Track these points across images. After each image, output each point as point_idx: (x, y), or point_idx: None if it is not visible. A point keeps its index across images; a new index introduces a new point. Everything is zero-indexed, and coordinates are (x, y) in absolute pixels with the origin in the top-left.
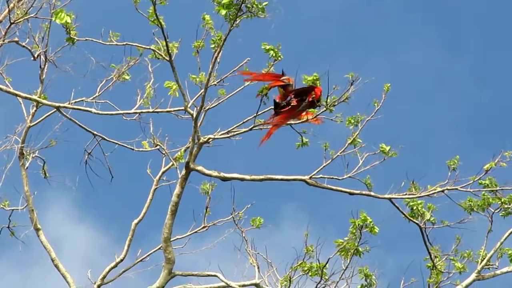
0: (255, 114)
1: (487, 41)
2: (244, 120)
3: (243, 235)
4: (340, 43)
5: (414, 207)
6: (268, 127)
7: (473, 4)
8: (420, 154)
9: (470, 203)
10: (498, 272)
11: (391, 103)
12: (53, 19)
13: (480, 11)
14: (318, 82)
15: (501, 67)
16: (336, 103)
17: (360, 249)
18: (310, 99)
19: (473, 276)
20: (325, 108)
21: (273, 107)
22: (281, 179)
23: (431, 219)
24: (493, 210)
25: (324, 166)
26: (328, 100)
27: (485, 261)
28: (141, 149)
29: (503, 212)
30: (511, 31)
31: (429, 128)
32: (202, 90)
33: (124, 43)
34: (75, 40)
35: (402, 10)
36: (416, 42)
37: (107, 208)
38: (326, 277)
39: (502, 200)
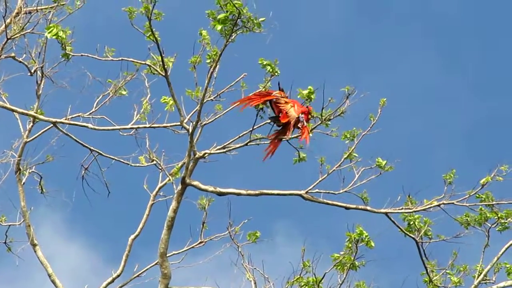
0: (251, 129)
1: (485, 55)
2: (240, 135)
3: (240, 250)
4: (337, 60)
5: (411, 222)
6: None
7: (471, 18)
8: (417, 168)
9: (467, 218)
10: (495, 287)
11: (388, 117)
12: (45, 34)
13: (478, 26)
14: (312, 95)
15: (499, 81)
16: (331, 117)
17: (356, 263)
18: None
19: None
20: (320, 122)
21: (270, 121)
22: (278, 194)
23: (427, 234)
24: (490, 225)
25: (320, 181)
26: (324, 114)
27: (482, 275)
28: (137, 165)
29: (500, 227)
30: (509, 45)
31: (425, 142)
32: (198, 106)
33: (120, 58)
34: (71, 55)
35: (399, 24)
36: (413, 57)
37: (101, 225)
38: None
39: (499, 215)
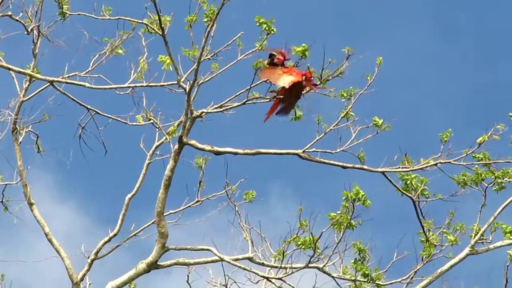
0: (248, 88)
1: (482, 23)
2: (237, 94)
3: (236, 209)
4: (334, 26)
5: (408, 181)
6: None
7: None
8: (413, 128)
9: (464, 177)
10: (491, 246)
11: (385, 83)
12: None
13: None
14: (307, 53)
15: (497, 50)
16: (330, 78)
17: (353, 222)
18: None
19: (466, 250)
20: (319, 82)
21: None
22: (274, 153)
23: (424, 193)
24: (486, 185)
25: (317, 140)
26: (322, 74)
27: (478, 235)
28: (134, 123)
29: (496, 187)
30: (505, 15)
31: (422, 107)
32: (195, 64)
33: (117, 17)
34: (67, 14)
35: None
36: (411, 26)
37: (97, 184)
38: (319, 251)
39: (496, 174)
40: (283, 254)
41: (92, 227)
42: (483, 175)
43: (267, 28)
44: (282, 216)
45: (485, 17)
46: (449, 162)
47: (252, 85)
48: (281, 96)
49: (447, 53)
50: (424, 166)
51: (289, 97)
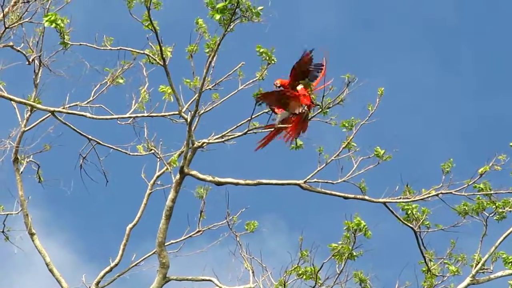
0: (249, 118)
1: (481, 57)
2: (238, 124)
3: (238, 240)
4: (335, 58)
5: (409, 212)
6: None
7: (467, 22)
8: (414, 159)
9: (465, 207)
10: (492, 276)
11: (386, 113)
12: (43, 22)
13: (474, 28)
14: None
15: (496, 82)
16: (331, 105)
17: (354, 253)
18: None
19: (467, 280)
20: (320, 111)
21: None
22: (276, 184)
23: (425, 223)
24: (487, 214)
25: (318, 170)
26: (324, 102)
27: (479, 265)
28: (135, 154)
29: (497, 216)
30: (505, 47)
31: (423, 138)
32: (197, 95)
33: (118, 47)
34: (69, 44)
35: (396, 29)
36: (411, 59)
37: (99, 214)
38: (320, 282)
39: (497, 204)
40: (284, 284)
41: (78, 263)
42: (484, 204)
43: (267, 58)
44: (275, 249)
45: (486, 49)
46: (451, 193)
47: (253, 115)
48: (287, 125)
49: (448, 84)
50: (426, 196)
51: (297, 125)
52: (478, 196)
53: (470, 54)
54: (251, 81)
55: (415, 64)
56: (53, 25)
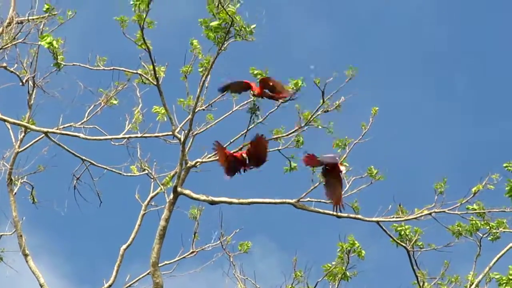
0: (242, 134)
1: (475, 83)
2: (231, 141)
3: (231, 260)
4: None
5: (402, 232)
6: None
7: (461, 50)
8: (408, 180)
9: (459, 228)
10: None
11: (380, 134)
12: (39, 42)
13: (468, 56)
14: (300, 86)
15: (491, 108)
16: (329, 109)
17: (347, 273)
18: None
19: None
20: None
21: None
22: (269, 203)
23: (418, 244)
24: (481, 235)
25: (311, 189)
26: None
27: (473, 286)
28: (129, 174)
29: (491, 237)
30: (499, 72)
31: (416, 160)
32: (190, 114)
33: (111, 67)
34: (62, 65)
35: (390, 48)
36: (408, 82)
37: (91, 236)
38: None
39: (491, 225)
40: None
41: (91, 277)
42: (478, 225)
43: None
44: (266, 270)
45: (480, 77)
46: (444, 212)
47: (246, 134)
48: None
49: (443, 110)
50: (419, 215)
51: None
52: (471, 216)
53: (465, 81)
54: (245, 102)
55: (411, 88)
56: (49, 45)
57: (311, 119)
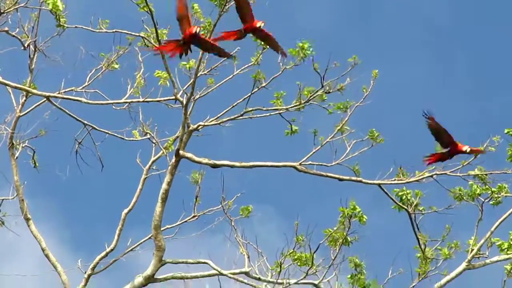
0: (245, 98)
1: (476, 58)
2: (234, 104)
3: (233, 224)
4: (331, 52)
5: (403, 197)
6: None
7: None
8: (408, 144)
9: (460, 192)
10: (488, 261)
11: (380, 101)
12: (46, 3)
13: (469, 31)
14: (307, 51)
15: (491, 83)
16: (331, 91)
17: (348, 238)
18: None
19: (463, 265)
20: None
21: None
22: (271, 166)
23: (420, 208)
24: (483, 200)
25: (313, 153)
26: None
27: (475, 250)
28: (131, 139)
29: (493, 201)
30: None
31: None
32: (193, 78)
33: (114, 30)
34: (65, 27)
35: (390, 28)
36: (405, 61)
37: (94, 200)
38: (315, 267)
39: (492, 190)
40: (280, 265)
41: (91, 241)
42: (479, 190)
43: (262, 43)
44: (268, 236)
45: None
46: (445, 173)
47: (249, 98)
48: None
49: (445, 80)
50: (420, 178)
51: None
52: (472, 181)
53: (466, 57)
54: (246, 66)
55: (413, 62)
56: (54, 7)
57: (311, 98)
